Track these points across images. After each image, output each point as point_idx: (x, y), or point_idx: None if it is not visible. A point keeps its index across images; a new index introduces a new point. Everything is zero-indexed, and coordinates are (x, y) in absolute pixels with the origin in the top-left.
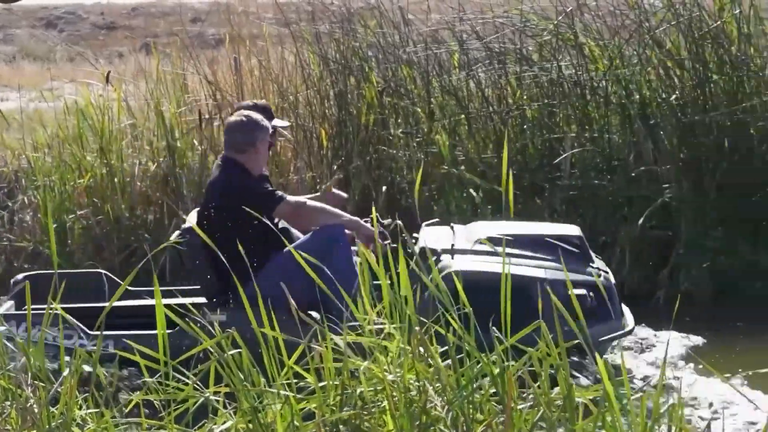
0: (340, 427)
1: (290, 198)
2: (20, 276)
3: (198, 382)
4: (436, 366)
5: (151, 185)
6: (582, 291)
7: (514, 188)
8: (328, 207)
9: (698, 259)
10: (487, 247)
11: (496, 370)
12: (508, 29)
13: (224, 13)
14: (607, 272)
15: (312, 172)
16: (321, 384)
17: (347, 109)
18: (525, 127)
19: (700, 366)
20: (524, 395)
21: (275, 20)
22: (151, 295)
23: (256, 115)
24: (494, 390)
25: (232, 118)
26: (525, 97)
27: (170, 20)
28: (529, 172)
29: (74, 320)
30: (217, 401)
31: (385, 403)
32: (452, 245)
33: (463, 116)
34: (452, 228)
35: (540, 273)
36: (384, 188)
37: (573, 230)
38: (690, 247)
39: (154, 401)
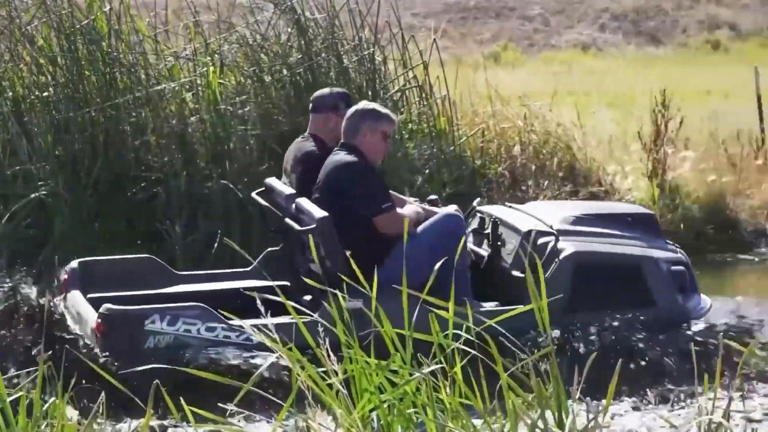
0: None
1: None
2: (75, 263)
3: None
4: None
5: None
6: (682, 268)
7: None
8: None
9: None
10: (580, 227)
11: None
12: None
13: None
14: (681, 248)
15: None
16: None
17: None
18: None
19: None
20: None
21: None
22: (201, 279)
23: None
24: None
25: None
26: None
27: None
28: None
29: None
30: None
31: None
32: (551, 226)
33: None
34: (514, 207)
35: (646, 252)
36: None
37: (643, 209)
38: (64, 243)
39: None
